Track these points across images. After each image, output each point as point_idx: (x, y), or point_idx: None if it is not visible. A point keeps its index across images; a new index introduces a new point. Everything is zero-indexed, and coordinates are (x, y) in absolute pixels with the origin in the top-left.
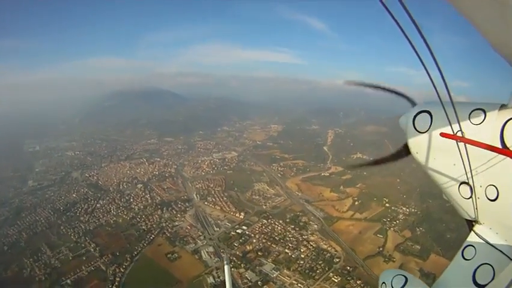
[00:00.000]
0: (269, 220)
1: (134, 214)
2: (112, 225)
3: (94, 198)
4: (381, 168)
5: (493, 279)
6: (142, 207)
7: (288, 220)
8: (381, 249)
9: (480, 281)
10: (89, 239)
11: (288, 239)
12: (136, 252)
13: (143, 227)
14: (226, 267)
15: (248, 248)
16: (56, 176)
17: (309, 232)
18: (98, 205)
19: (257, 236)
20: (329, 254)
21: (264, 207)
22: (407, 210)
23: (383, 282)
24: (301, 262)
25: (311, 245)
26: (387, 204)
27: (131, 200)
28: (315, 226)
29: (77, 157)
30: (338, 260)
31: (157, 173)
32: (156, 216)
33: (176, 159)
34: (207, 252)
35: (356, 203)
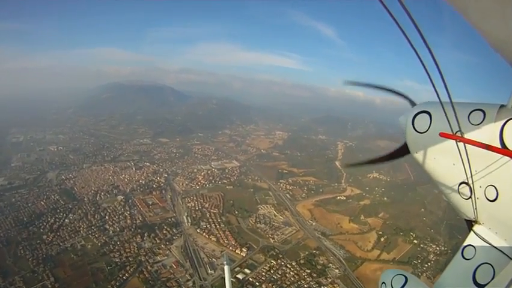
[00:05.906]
0: (279, 261)
1: (107, 239)
2: (79, 252)
3: (64, 209)
4: (404, 195)
5: (493, 278)
6: (118, 229)
7: (302, 261)
8: None
9: (480, 281)
10: (49, 269)
11: None
12: None
13: (117, 259)
14: (226, 267)
15: None
16: (31, 175)
17: (329, 279)
18: (66, 220)
19: (264, 286)
20: None
21: (272, 240)
22: (437, 248)
23: (383, 282)
24: None
25: None
26: (415, 241)
27: (107, 217)
28: (336, 271)
29: (59, 153)
30: None
31: (143, 182)
32: (134, 244)
33: (169, 166)
34: None
35: (382, 238)
